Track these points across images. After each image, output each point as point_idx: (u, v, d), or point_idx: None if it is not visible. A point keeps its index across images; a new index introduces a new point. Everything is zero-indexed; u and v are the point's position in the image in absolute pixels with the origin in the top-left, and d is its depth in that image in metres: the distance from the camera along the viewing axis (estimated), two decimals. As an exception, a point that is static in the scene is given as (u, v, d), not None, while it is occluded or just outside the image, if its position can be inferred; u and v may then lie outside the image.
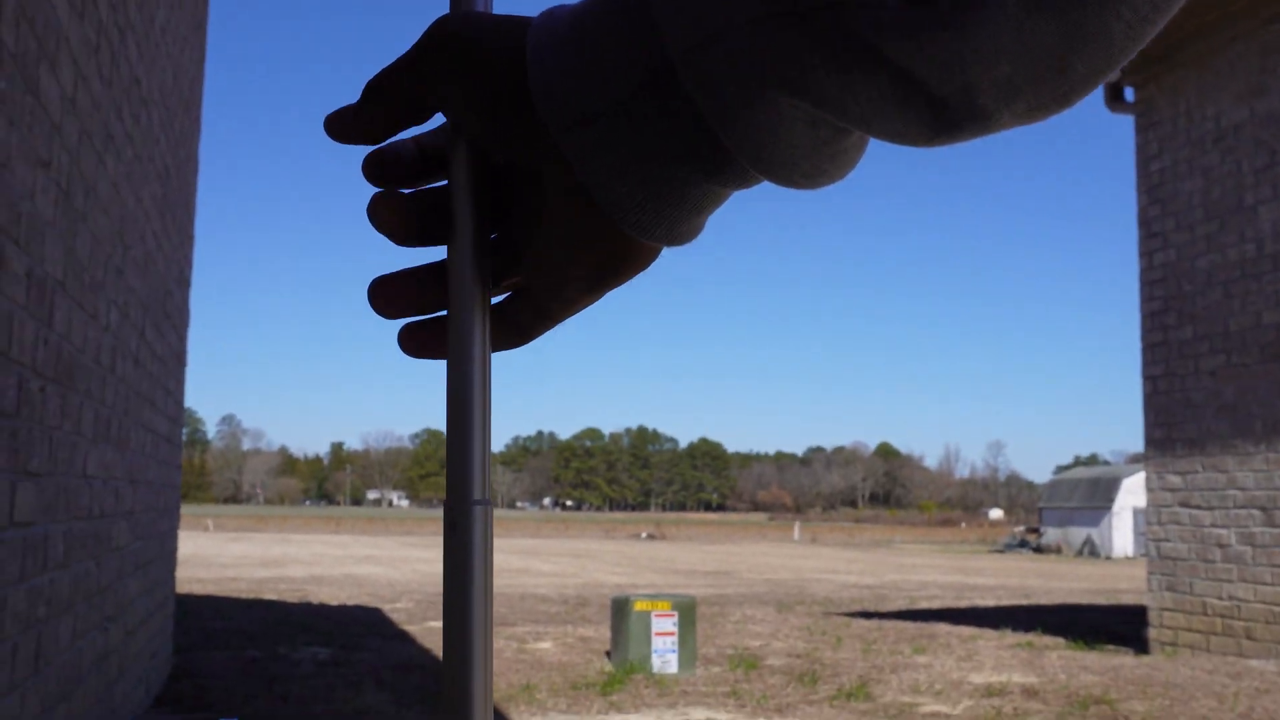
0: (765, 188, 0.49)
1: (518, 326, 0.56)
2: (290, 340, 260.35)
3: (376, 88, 0.53)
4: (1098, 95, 10.32)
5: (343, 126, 0.54)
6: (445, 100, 0.51)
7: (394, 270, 0.57)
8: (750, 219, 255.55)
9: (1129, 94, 10.17)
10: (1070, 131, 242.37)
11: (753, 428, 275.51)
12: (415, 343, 0.57)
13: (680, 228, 0.49)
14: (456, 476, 0.52)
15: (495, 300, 0.57)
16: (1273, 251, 8.54)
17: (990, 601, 16.59)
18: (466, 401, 0.52)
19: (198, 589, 15.50)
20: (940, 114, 0.41)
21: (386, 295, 0.56)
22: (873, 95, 0.41)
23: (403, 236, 0.54)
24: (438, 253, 0.57)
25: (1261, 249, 8.63)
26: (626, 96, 0.47)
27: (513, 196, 0.55)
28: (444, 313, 0.56)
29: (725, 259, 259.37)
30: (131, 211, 4.57)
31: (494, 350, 0.56)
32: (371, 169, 0.55)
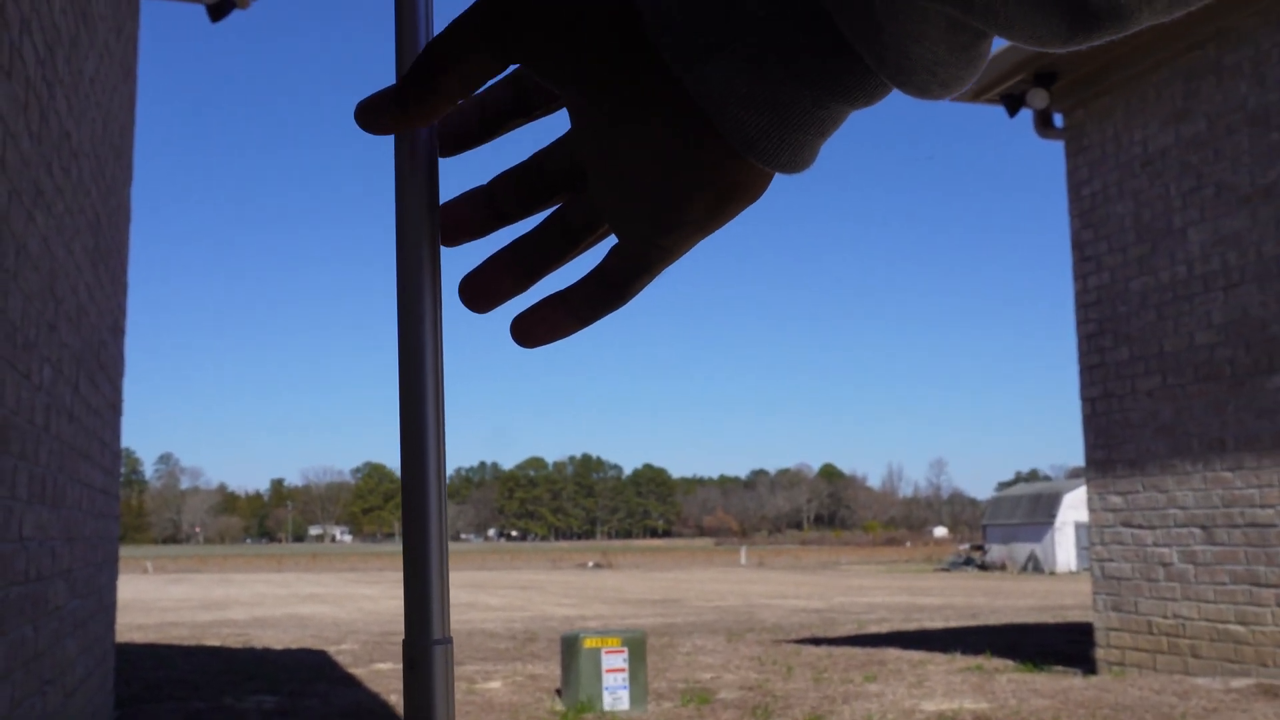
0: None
1: (615, 286, 0.54)
2: (227, 376, 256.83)
3: (441, 53, 0.49)
4: (1026, 120, 10.49)
5: (397, 109, 0.50)
6: (531, 51, 0.48)
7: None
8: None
9: (1058, 120, 10.34)
10: (1002, 154, 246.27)
11: (696, 453, 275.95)
12: (524, 327, 0.57)
13: (804, 153, 0.48)
14: (415, 613, 0.51)
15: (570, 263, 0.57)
16: (1203, 273, 8.69)
17: (939, 623, 16.70)
18: (424, 529, 0.51)
19: (138, 636, 15.20)
20: (1081, 12, 0.39)
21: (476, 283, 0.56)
22: None
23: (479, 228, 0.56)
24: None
25: (1192, 270, 8.79)
26: (756, 20, 0.46)
27: (581, 145, 0.52)
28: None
29: (661, 285, 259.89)
30: (63, 265, 4.49)
31: (594, 318, 0.56)
32: (450, 145, 0.55)
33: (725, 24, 0.45)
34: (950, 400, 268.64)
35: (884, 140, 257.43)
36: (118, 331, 6.67)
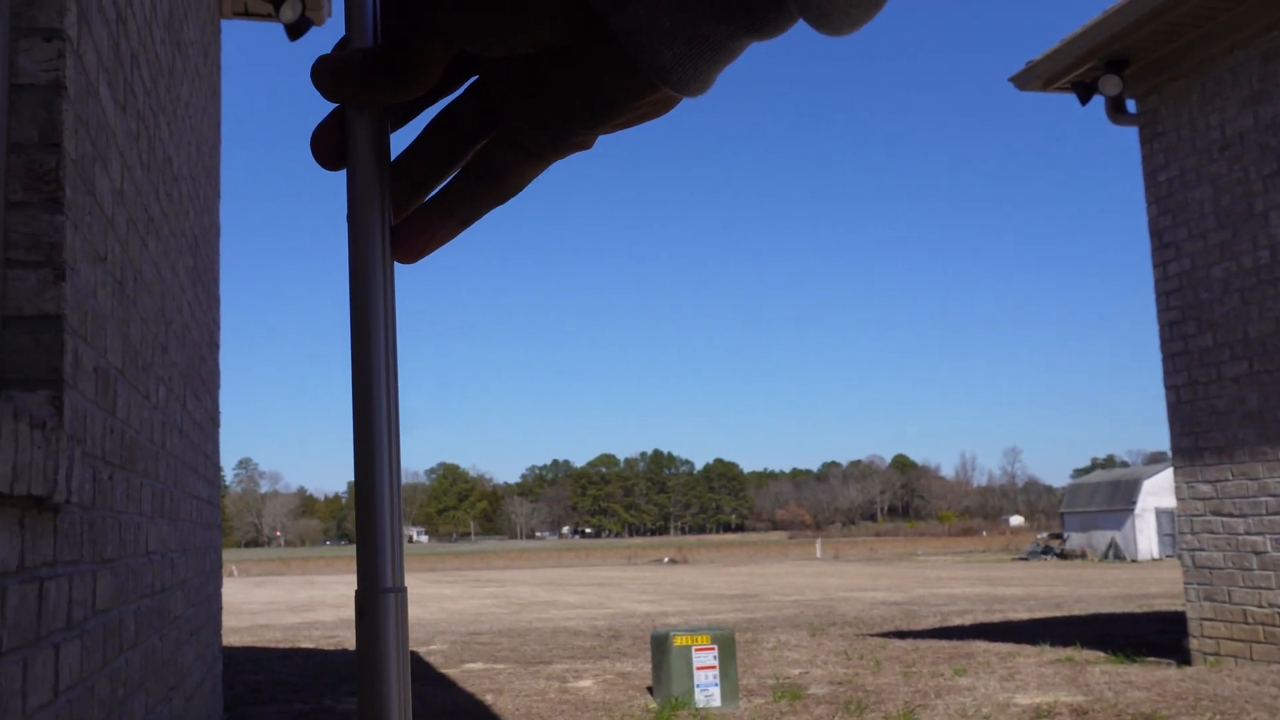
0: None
1: (497, 174, 0.57)
2: (303, 380, 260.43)
3: (418, 45, 0.53)
4: (1098, 107, 10.38)
5: (382, 89, 0.54)
6: (479, 37, 0.52)
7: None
8: (756, 236, 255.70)
9: (1131, 106, 10.22)
10: (1077, 139, 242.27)
11: (767, 446, 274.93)
12: (402, 239, 0.58)
13: (709, 80, 0.52)
14: (366, 562, 0.51)
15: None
16: (1288, 256, 8.57)
17: (1023, 614, 16.56)
18: (374, 480, 0.52)
19: (234, 640, 15.55)
20: None
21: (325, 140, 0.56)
22: None
23: (333, 160, 0.56)
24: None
25: (1276, 255, 8.67)
26: None
27: (499, 80, 0.55)
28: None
29: (730, 276, 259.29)
30: (170, 287, 4.65)
31: (475, 216, 0.58)
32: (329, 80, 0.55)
33: None
34: (1023, 387, 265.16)
35: (950, 128, 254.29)
36: (214, 346, 6.87)
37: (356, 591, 0.51)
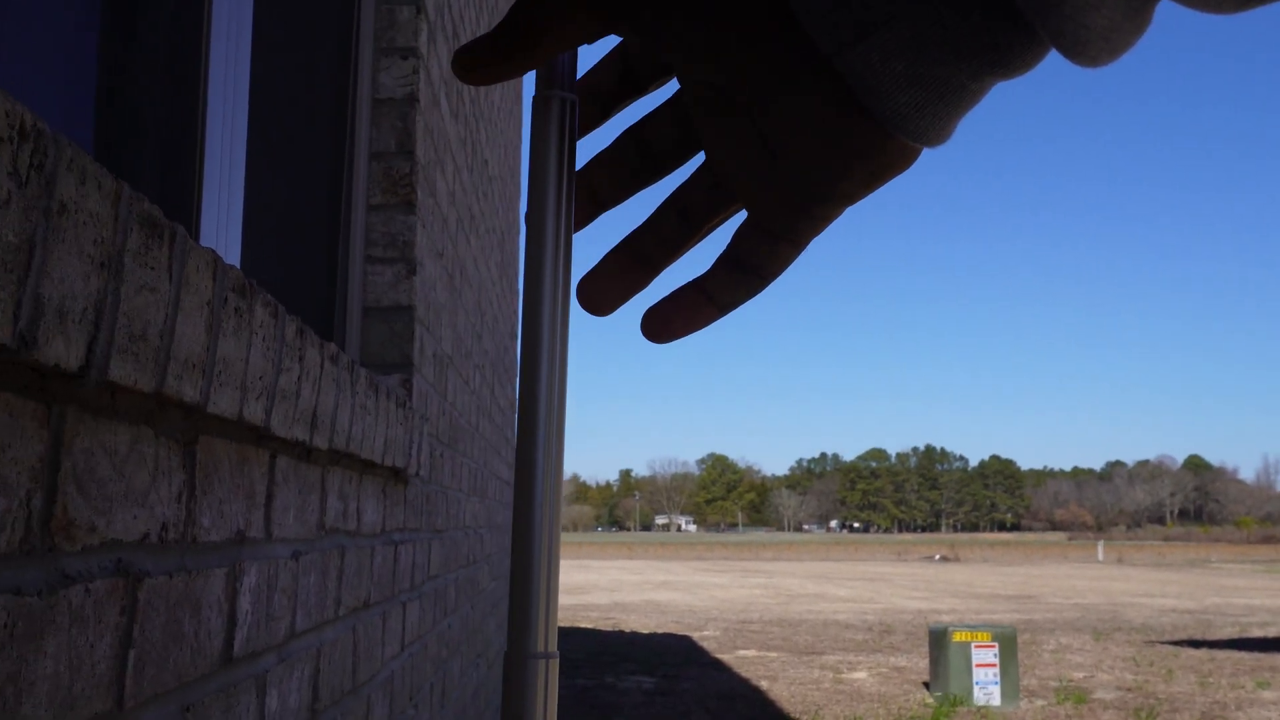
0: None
1: (755, 269, 0.52)
2: (587, 366, 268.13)
3: (543, 15, 0.49)
4: None
5: (496, 64, 0.51)
6: (664, 37, 0.48)
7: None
8: (1046, 223, 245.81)
9: None
10: None
11: (1047, 443, 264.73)
12: (658, 320, 0.54)
13: (950, 127, 0.47)
14: (517, 625, 0.50)
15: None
16: None
17: (1332, 628, 15.44)
18: (530, 543, 0.50)
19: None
20: None
21: (597, 284, 0.54)
22: None
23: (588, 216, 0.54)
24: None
25: None
26: None
27: (705, 121, 0.50)
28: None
29: (1010, 263, 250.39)
30: (485, 280, 4.99)
31: (734, 304, 0.53)
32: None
33: (880, 4, 0.44)
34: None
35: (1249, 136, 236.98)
36: (514, 336, 7.27)
37: (505, 654, 0.49)
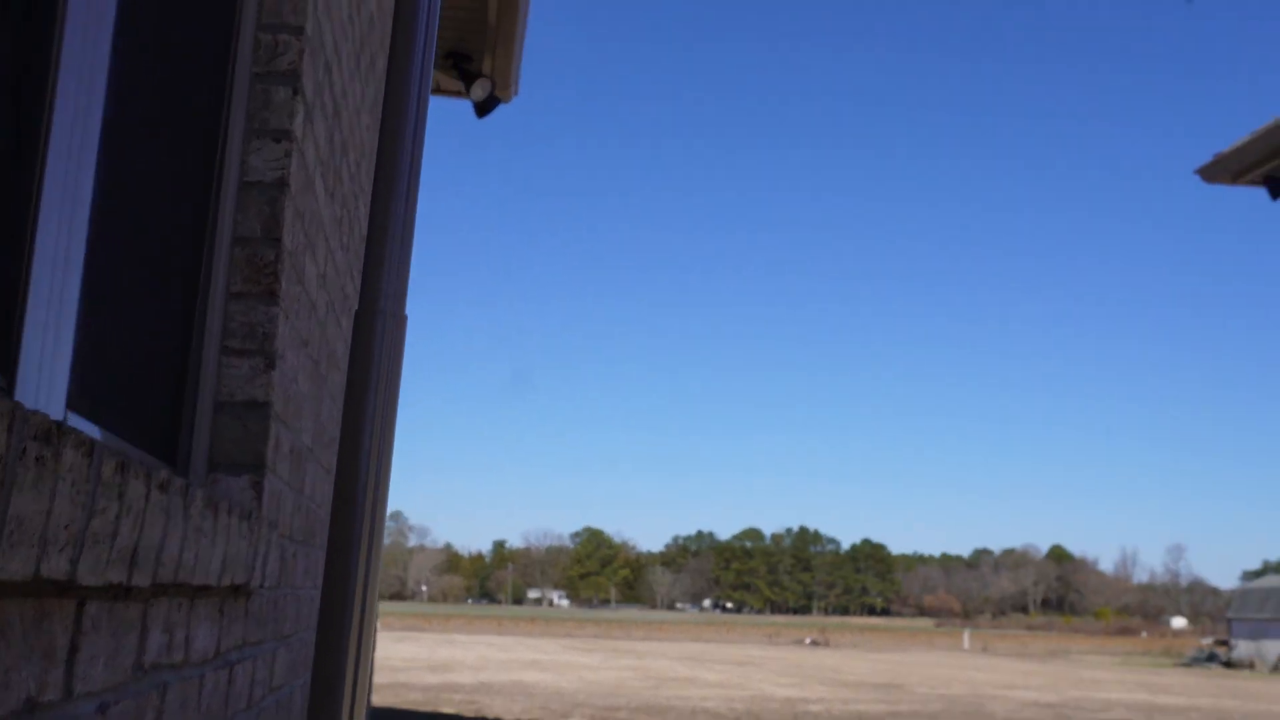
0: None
1: None
2: (456, 436, 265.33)
3: None
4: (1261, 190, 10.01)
5: None
6: None
7: None
8: (911, 317, 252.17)
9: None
10: (1235, 225, 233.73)
11: (917, 528, 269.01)
12: None
13: None
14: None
15: None
16: None
17: (1186, 728, 15.75)
18: (339, 661, 0.46)
19: (376, 698, 15.79)
20: None
21: None
22: None
23: None
24: None
25: None
26: None
27: None
28: None
29: (885, 354, 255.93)
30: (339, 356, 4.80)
31: None
32: None
33: None
34: (1191, 480, 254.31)
35: (1125, 218, 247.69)
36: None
37: None
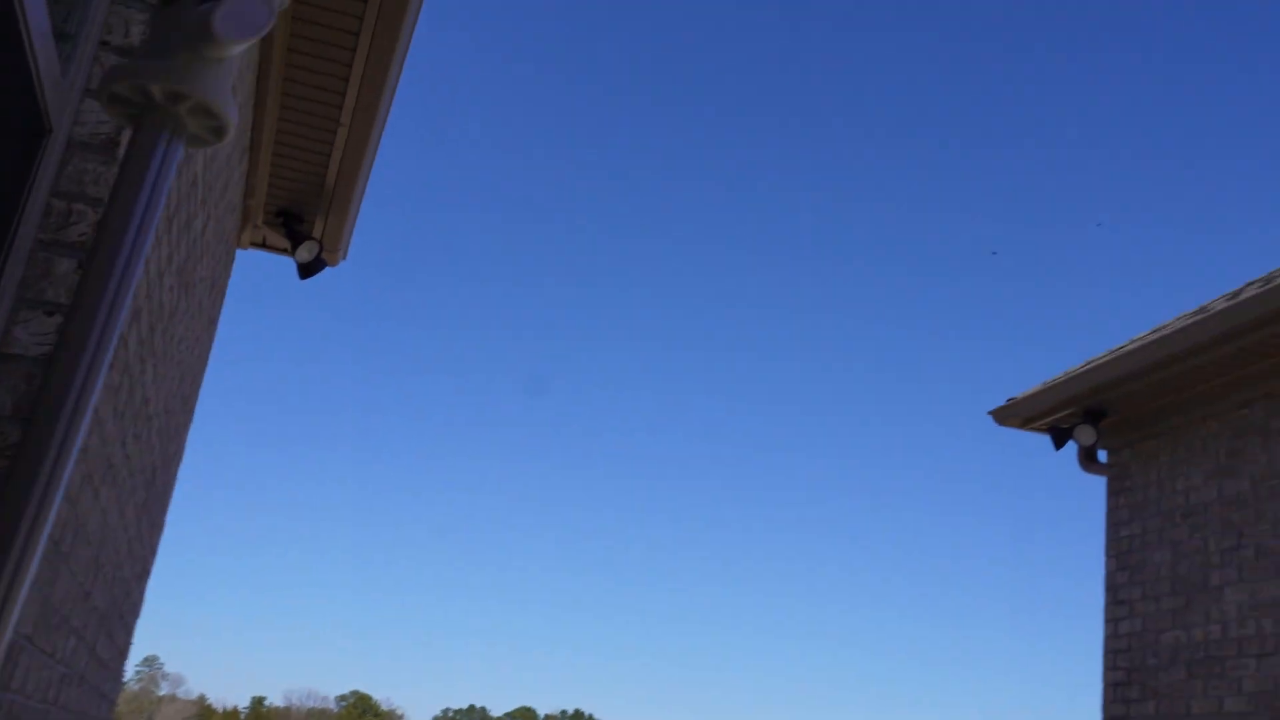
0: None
1: None
2: (220, 581, 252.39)
3: None
4: (1071, 454, 10.52)
5: None
6: None
7: None
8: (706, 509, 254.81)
9: (1102, 456, 10.37)
10: (1046, 478, 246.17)
11: (707, 713, 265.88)
12: None
13: None
14: None
15: None
16: (1237, 636, 8.50)
17: None
18: None
19: None
20: None
21: None
22: None
23: None
24: None
25: (1226, 632, 8.60)
26: None
27: None
28: None
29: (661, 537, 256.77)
30: (113, 529, 4.48)
31: None
32: None
33: None
34: None
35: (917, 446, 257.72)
36: (144, 575, 6.59)
37: None
